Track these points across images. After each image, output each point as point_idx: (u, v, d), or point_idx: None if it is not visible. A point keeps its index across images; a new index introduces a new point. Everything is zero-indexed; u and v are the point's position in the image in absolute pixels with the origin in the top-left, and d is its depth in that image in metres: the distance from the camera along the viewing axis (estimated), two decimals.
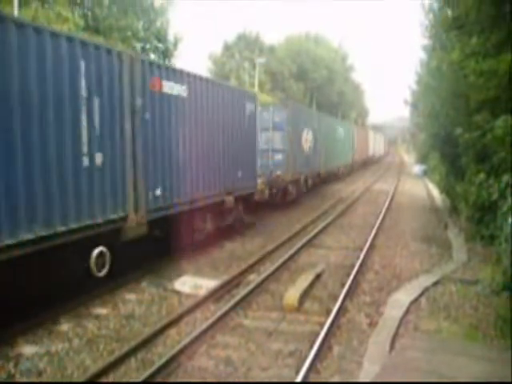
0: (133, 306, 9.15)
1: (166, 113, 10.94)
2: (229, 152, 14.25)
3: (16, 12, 18.36)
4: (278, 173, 21.27)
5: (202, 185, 12.57)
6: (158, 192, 10.62)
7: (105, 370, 6.58)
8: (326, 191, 29.83)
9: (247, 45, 61.06)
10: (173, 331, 8.03)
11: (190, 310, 8.88)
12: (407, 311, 8.90)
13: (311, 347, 7.25)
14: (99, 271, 9.07)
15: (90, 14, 25.91)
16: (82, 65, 8.34)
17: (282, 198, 21.68)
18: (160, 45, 29.80)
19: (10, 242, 7.02)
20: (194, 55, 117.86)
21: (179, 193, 11.46)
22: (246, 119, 15.66)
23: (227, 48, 61.67)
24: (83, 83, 8.35)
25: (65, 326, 8.15)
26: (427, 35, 17.51)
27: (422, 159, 44.04)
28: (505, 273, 8.68)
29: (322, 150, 28.82)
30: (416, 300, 9.53)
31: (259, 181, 18.08)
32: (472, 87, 9.00)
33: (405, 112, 59.10)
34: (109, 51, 9.13)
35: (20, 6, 19.23)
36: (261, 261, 12.37)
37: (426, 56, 20.78)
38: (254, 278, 10.90)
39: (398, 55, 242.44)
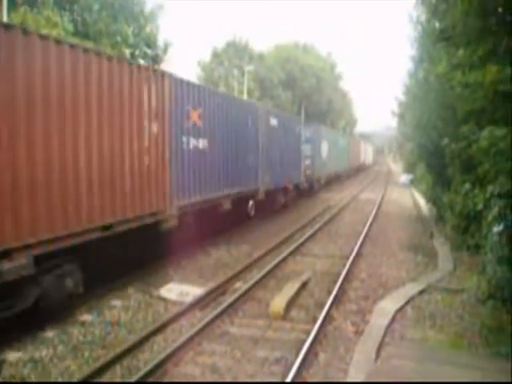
0: (118, 313, 9.11)
1: (271, 136, 20.41)
2: (289, 158, 23.46)
3: (5, 17, 18.26)
4: (308, 172, 29.49)
5: (283, 176, 22.13)
6: (268, 179, 19.90)
7: (90, 377, 6.54)
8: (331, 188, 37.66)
9: (236, 52, 61.18)
10: (159, 338, 8.00)
11: (176, 317, 8.86)
12: (393, 319, 8.93)
13: (297, 355, 7.25)
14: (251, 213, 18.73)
15: (79, 18, 25.89)
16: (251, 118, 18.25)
17: (309, 190, 30.50)
18: (149, 51, 29.81)
19: None
20: (183, 61, 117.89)
21: (277, 180, 21.28)
22: (296, 137, 25.24)
23: (216, 55, 61.72)
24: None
25: (49, 333, 8.09)
26: (415, 46, 17.69)
27: (409, 168, 44.33)
28: (490, 282, 8.75)
29: (332, 157, 38.42)
30: (402, 308, 9.57)
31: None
32: (458, 98, 9.11)
33: (392, 121, 59.51)
34: (259, 109, 19.53)
35: (9, 9, 19.14)
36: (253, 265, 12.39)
37: (413, 67, 20.95)
38: (240, 286, 10.90)
39: (386, 65, 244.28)
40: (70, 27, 22.60)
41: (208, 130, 14.08)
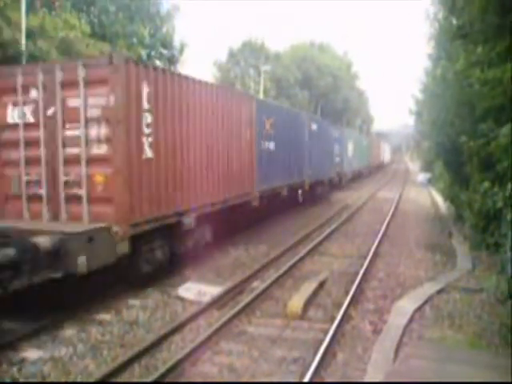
0: (137, 312, 9.18)
1: (312, 139, 24.54)
2: (325, 157, 27.85)
3: (23, 19, 18.52)
4: (337, 169, 33.17)
5: (321, 171, 26.43)
6: (310, 173, 24.13)
7: (108, 376, 6.59)
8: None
9: (252, 52, 61.30)
10: (177, 337, 8.04)
11: (194, 317, 8.89)
12: (411, 319, 8.87)
13: (315, 354, 7.24)
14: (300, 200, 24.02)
15: (96, 20, 26.11)
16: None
17: (339, 183, 34.73)
18: (165, 51, 29.95)
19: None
20: (200, 62, 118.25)
21: (317, 175, 25.62)
22: (330, 139, 29.82)
23: (232, 55, 61.92)
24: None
25: (69, 332, 8.19)
26: (432, 44, 17.56)
27: (427, 167, 44.00)
28: (509, 281, 8.66)
29: (356, 156, 43.16)
30: (420, 308, 9.51)
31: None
32: (477, 96, 9.02)
33: (409, 120, 59.13)
34: (303, 115, 24.16)
35: (27, 12, 19.38)
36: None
37: (430, 64, 20.80)
38: (257, 285, 10.91)
39: (403, 63, 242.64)
40: (88, 29, 22.81)
41: (275, 135, 18.66)
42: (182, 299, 10.02)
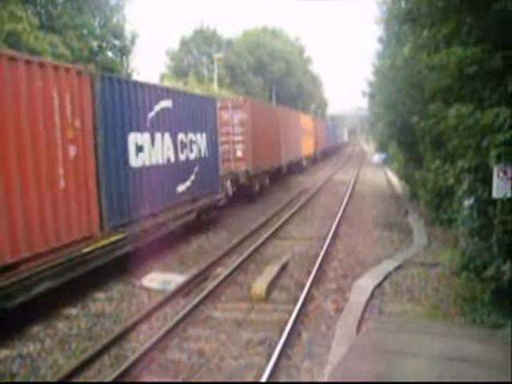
0: (103, 304, 9.21)
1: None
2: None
3: None
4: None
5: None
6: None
7: (78, 369, 6.64)
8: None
9: (204, 39, 60.86)
10: (144, 327, 8.12)
11: (160, 306, 8.98)
12: (372, 296, 9.20)
13: (280, 335, 7.45)
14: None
15: (43, 12, 25.47)
16: None
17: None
18: (117, 42, 29.48)
19: None
20: (152, 51, 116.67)
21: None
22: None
23: (184, 43, 61.31)
24: None
25: (35, 328, 8.15)
26: (382, 27, 17.90)
27: (382, 148, 44.77)
28: (463, 254, 9.02)
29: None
30: (380, 285, 9.85)
31: None
32: (425, 80, 9.34)
33: (363, 102, 60.09)
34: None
35: None
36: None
37: (381, 47, 21.19)
38: (221, 271, 11.05)
39: (355, 46, 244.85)
40: (35, 21, 22.24)
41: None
42: (146, 289, 10.09)
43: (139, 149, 11.28)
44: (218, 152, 17.03)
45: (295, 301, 8.92)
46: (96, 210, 9.51)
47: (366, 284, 9.83)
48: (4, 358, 7.15)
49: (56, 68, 8.63)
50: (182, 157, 13.80)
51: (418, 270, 10.77)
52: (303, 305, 8.68)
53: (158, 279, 10.54)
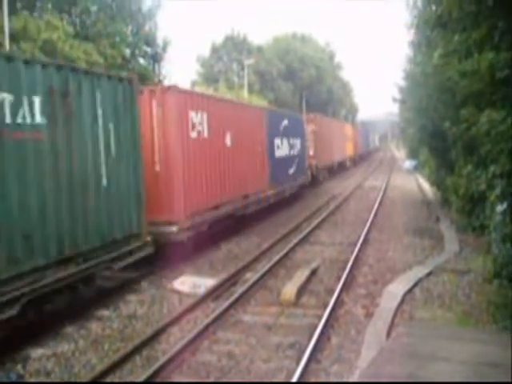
0: (134, 307, 9.37)
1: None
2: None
3: (6, 22, 18.50)
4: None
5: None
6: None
7: (111, 368, 6.79)
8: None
9: (235, 46, 61.28)
10: (175, 329, 8.24)
11: (191, 309, 9.09)
12: (402, 301, 9.15)
13: (310, 339, 7.47)
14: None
15: (78, 21, 26.08)
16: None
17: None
18: (149, 49, 29.95)
19: None
20: (183, 58, 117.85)
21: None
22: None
23: (215, 50, 61.84)
24: None
25: (69, 329, 8.34)
26: (413, 32, 17.76)
27: (413, 154, 44.36)
28: (495, 261, 8.92)
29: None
30: (410, 290, 9.78)
31: None
32: (456, 85, 9.27)
33: (394, 108, 59.75)
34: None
35: (10, 14, 19.36)
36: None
37: (412, 52, 21.01)
38: (250, 276, 11.12)
39: (385, 51, 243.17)
40: (70, 30, 22.79)
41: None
42: (177, 292, 10.21)
43: (277, 147, 20.70)
44: (305, 151, 26.61)
45: (325, 305, 8.93)
46: (268, 177, 19.22)
47: (396, 290, 9.78)
48: (39, 356, 7.34)
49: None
50: (292, 152, 23.13)
51: (449, 276, 10.67)
52: (333, 309, 8.68)
53: (189, 283, 10.66)
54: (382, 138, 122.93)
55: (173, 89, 12.24)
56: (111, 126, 9.43)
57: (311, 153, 28.95)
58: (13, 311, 6.97)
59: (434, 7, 11.22)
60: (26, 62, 7.67)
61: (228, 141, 15.14)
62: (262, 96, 50.00)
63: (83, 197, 8.59)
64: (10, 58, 7.42)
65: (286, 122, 22.05)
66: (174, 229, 11.52)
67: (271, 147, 19.75)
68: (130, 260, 9.79)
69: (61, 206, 8.06)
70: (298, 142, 24.29)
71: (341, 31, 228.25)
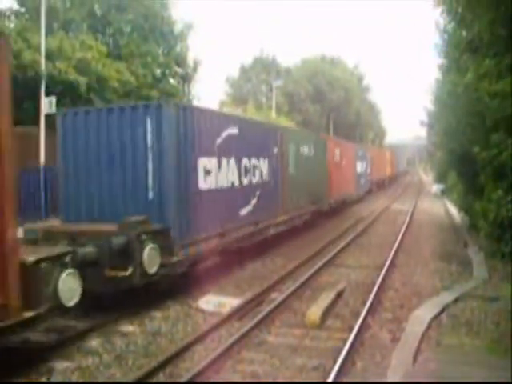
0: (159, 323, 9.40)
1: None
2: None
3: (43, 42, 19.05)
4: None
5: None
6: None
7: None
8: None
9: (264, 67, 61.86)
10: (199, 347, 8.23)
11: (215, 327, 9.08)
12: (429, 327, 8.99)
13: (335, 362, 7.39)
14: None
15: (111, 41, 26.68)
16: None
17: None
18: (179, 70, 30.41)
19: None
20: (213, 79, 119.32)
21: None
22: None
23: (244, 71, 62.52)
24: None
25: (94, 342, 8.41)
26: (442, 55, 17.75)
27: (440, 178, 43.97)
28: None
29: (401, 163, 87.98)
30: (437, 316, 9.61)
31: None
32: (487, 108, 9.22)
33: (421, 131, 59.58)
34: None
35: (46, 34, 19.91)
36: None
37: (441, 75, 20.97)
38: (276, 297, 11.08)
39: (414, 74, 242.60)
40: (104, 49, 23.32)
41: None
42: (202, 311, 10.23)
43: (359, 167, 36.66)
44: (367, 170, 40.57)
45: (350, 329, 8.83)
46: (354, 186, 34.79)
47: (422, 315, 9.63)
48: (64, 369, 7.41)
49: None
50: (363, 171, 38.42)
51: (477, 303, 10.46)
52: (358, 333, 8.58)
53: (214, 301, 10.68)
54: (410, 161, 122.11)
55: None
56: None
57: (369, 171, 41.79)
58: None
59: (464, 32, 11.25)
60: None
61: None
62: (290, 118, 50.22)
63: None
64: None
65: (361, 152, 38.07)
66: None
67: (355, 168, 34.31)
68: None
69: None
70: (365, 164, 39.01)
71: (369, 55, 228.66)
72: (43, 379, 7.11)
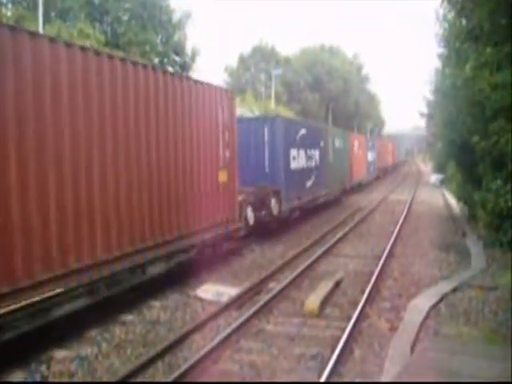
0: (158, 312, 9.42)
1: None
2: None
3: (41, 29, 18.91)
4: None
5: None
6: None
7: (133, 373, 6.81)
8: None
9: (263, 57, 61.63)
10: (197, 336, 8.24)
11: (213, 316, 9.10)
12: (427, 316, 9.01)
13: (333, 351, 7.40)
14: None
15: (109, 29, 26.53)
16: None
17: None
18: (178, 58, 30.28)
19: None
20: (211, 68, 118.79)
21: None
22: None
23: (243, 60, 62.28)
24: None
25: (93, 332, 8.42)
26: (442, 45, 17.64)
27: (439, 168, 43.94)
28: None
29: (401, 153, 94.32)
30: (435, 305, 9.64)
31: None
32: (487, 98, 9.17)
33: (420, 121, 59.70)
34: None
35: (44, 23, 19.79)
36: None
37: (441, 65, 20.86)
38: (274, 286, 11.09)
39: (413, 64, 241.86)
40: (102, 38, 23.20)
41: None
42: (200, 300, 10.24)
43: (371, 156, 44.49)
44: (375, 158, 45.99)
45: (348, 318, 8.85)
46: (366, 171, 42.02)
47: (421, 304, 9.65)
48: (63, 358, 7.42)
49: None
50: (372, 159, 44.90)
51: (475, 292, 10.49)
52: (356, 322, 8.60)
53: (212, 291, 10.69)
54: (409, 151, 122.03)
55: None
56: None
57: (376, 159, 47.24)
58: None
59: (464, 21, 11.17)
60: None
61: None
62: (289, 107, 50.10)
63: None
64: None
65: (371, 143, 43.86)
66: None
67: (367, 157, 40.70)
68: None
69: None
70: (374, 153, 45.19)
71: (369, 45, 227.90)
72: (43, 367, 7.12)
